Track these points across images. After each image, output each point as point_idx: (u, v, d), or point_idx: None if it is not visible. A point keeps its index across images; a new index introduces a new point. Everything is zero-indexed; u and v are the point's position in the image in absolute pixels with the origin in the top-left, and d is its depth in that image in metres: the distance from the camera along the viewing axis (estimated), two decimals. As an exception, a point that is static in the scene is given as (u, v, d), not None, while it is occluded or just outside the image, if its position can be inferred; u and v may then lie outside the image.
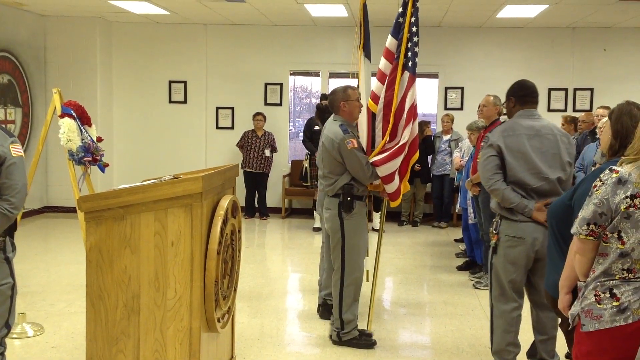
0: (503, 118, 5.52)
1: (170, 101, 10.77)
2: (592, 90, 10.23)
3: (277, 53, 10.61)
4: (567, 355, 4.17)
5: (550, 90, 10.08)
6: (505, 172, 3.80)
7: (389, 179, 4.63)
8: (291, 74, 10.86)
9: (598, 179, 2.39)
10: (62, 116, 5.24)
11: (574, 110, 10.00)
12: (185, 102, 10.77)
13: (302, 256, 7.93)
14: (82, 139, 5.33)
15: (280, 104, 10.71)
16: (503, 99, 6.19)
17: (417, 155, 4.82)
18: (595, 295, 2.40)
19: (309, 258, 7.70)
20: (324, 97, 9.72)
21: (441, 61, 10.42)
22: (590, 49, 10.22)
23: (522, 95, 3.93)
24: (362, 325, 4.84)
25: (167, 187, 3.28)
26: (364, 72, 5.00)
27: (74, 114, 5.32)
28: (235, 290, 3.92)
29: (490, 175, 3.83)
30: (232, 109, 10.75)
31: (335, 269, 4.70)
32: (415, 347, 4.85)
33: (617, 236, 2.35)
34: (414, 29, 4.73)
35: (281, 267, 7.68)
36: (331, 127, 4.63)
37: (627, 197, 2.31)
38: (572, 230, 2.45)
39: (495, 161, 3.83)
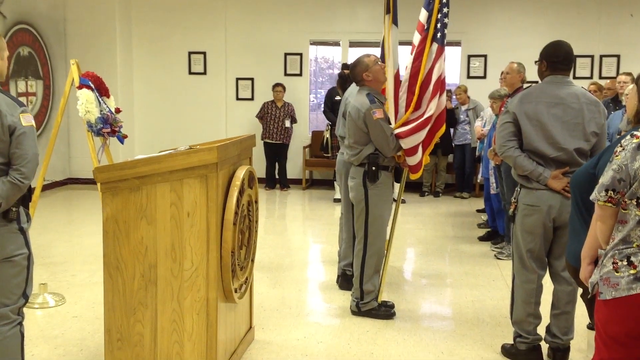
0: (527, 86, 5.39)
1: (190, 72, 10.74)
2: (618, 56, 9.99)
3: (297, 23, 10.49)
4: (589, 326, 4.11)
5: (576, 57, 9.83)
6: (522, 139, 3.72)
7: (412, 151, 4.55)
8: (311, 44, 10.75)
9: (619, 145, 2.32)
10: (80, 87, 5.22)
11: (600, 77, 9.78)
12: (205, 73, 10.72)
13: (322, 227, 7.91)
14: (101, 110, 5.32)
15: (300, 75, 10.62)
16: (527, 66, 6.12)
17: (443, 128, 4.73)
18: (613, 263, 2.35)
19: (330, 229, 7.68)
20: (345, 66, 9.62)
21: (464, 29, 10.22)
22: (616, 14, 9.96)
23: (554, 61, 3.78)
24: (382, 295, 4.82)
25: (182, 158, 3.26)
26: (392, 39, 4.90)
27: (92, 85, 5.30)
28: (252, 260, 3.91)
29: (504, 142, 3.76)
30: (252, 80, 10.68)
31: (358, 239, 4.66)
32: (435, 318, 4.82)
33: (635, 203, 2.28)
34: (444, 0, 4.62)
35: (302, 238, 7.68)
36: (358, 97, 4.55)
37: None
38: (591, 197, 2.38)
39: (510, 128, 3.74)
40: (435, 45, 4.60)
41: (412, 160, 4.61)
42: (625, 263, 2.32)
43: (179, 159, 3.26)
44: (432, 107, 4.57)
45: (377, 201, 4.55)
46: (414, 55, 4.67)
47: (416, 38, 4.70)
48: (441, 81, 4.63)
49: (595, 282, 2.41)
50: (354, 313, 4.72)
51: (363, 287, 4.64)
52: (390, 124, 4.56)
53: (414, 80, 4.63)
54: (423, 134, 4.55)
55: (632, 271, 2.30)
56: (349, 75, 5.01)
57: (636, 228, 2.30)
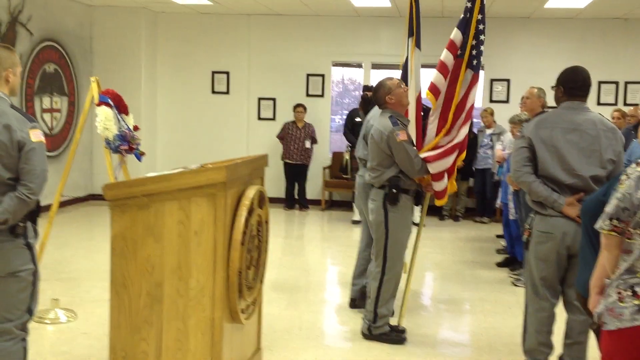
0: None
1: (213, 91, 10.83)
2: (645, 83, 9.87)
3: (320, 44, 10.54)
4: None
5: (600, 83, 9.77)
6: (537, 165, 3.66)
7: (439, 176, 4.51)
8: (333, 65, 10.78)
9: (624, 173, 2.27)
10: (99, 104, 5.28)
11: (625, 104, 9.65)
12: (227, 92, 10.80)
13: (340, 248, 7.87)
14: (119, 128, 5.37)
15: (322, 96, 10.64)
16: (548, 92, 6.06)
17: (464, 154, 4.70)
18: (618, 293, 2.29)
19: (347, 251, 7.62)
20: (366, 88, 9.63)
21: (487, 52, 10.05)
22: (643, 40, 9.85)
23: (571, 87, 3.73)
24: (394, 319, 4.76)
25: (191, 176, 3.26)
26: (414, 62, 4.89)
27: (111, 102, 5.36)
28: (261, 281, 3.88)
29: (519, 167, 3.71)
30: (274, 100, 10.73)
31: (377, 262, 4.60)
32: (446, 344, 4.74)
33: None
34: (481, 26, 4.59)
35: (319, 259, 7.64)
36: (381, 120, 4.53)
37: None
38: (596, 225, 2.33)
39: (525, 153, 3.69)
40: (470, 73, 4.58)
41: (438, 186, 4.57)
42: (629, 293, 2.26)
43: (187, 178, 3.26)
44: (462, 134, 4.55)
45: (397, 224, 4.51)
46: (449, 80, 4.63)
47: (447, 58, 4.64)
48: (472, 108, 4.60)
49: (601, 312, 2.35)
50: (364, 336, 4.65)
51: (377, 310, 4.58)
52: (414, 146, 4.53)
53: (448, 106, 4.59)
54: (451, 159, 4.52)
55: (636, 302, 2.24)
56: (372, 97, 5.00)
57: (641, 258, 2.24)
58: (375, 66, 10.73)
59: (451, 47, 4.64)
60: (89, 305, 5.18)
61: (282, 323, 4.95)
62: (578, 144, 3.63)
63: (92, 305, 5.18)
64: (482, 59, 4.63)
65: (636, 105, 8.06)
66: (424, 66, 5.01)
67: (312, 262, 7.41)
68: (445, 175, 4.55)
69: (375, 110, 4.92)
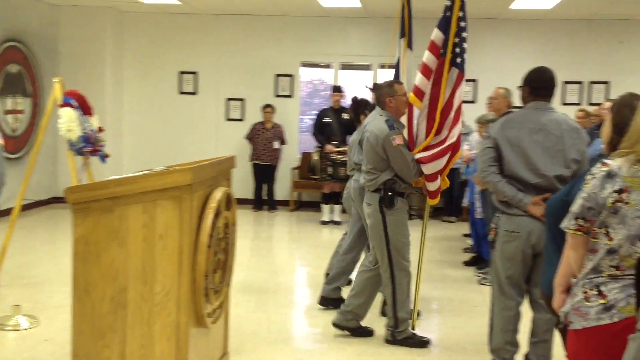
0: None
1: (181, 92, 10.72)
2: (608, 83, 10.02)
3: (288, 44, 10.51)
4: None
5: (565, 83, 9.91)
6: (503, 165, 3.69)
7: (433, 177, 4.50)
8: (302, 66, 10.75)
9: (589, 173, 2.29)
10: (62, 106, 5.19)
11: (589, 103, 9.79)
12: (195, 93, 10.71)
13: (309, 249, 7.85)
14: (83, 129, 5.28)
15: (291, 96, 10.61)
16: (515, 92, 6.11)
17: (459, 154, 4.70)
18: (584, 292, 2.31)
19: (316, 252, 7.62)
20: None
21: (454, 53, 10.23)
22: (606, 41, 10.00)
23: (537, 87, 3.76)
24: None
25: (155, 179, 3.21)
26: (407, 63, 4.88)
27: (74, 103, 5.26)
28: (228, 284, 3.84)
29: (485, 167, 3.74)
30: (243, 100, 10.67)
31: (384, 268, 4.56)
32: (416, 344, 4.75)
33: (605, 232, 2.25)
34: (462, 23, 4.58)
35: (287, 261, 7.61)
36: (377, 123, 4.50)
37: (614, 191, 2.20)
38: (562, 225, 2.35)
39: (490, 153, 3.72)
40: (455, 71, 4.54)
41: (432, 186, 4.57)
42: (595, 292, 2.28)
43: (152, 180, 3.20)
44: (454, 135, 4.54)
45: (396, 226, 4.49)
46: (433, 80, 4.59)
47: (429, 59, 4.60)
48: (461, 107, 4.58)
49: (567, 311, 2.37)
50: (388, 342, 4.61)
51: (398, 314, 4.55)
52: (409, 149, 4.52)
53: (434, 106, 4.56)
54: (444, 160, 4.52)
55: (601, 301, 2.25)
56: (373, 93, 4.92)
57: (606, 257, 2.26)
58: (345, 67, 10.73)
59: (432, 47, 4.61)
60: (52, 310, 5.08)
61: (250, 326, 4.91)
62: (543, 143, 3.66)
63: (55, 310, 5.07)
64: (465, 57, 4.56)
65: (600, 104, 8.18)
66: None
67: (281, 263, 7.38)
68: (439, 176, 4.56)
69: (372, 115, 4.86)
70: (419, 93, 4.64)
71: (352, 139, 5.58)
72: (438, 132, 4.55)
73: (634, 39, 9.95)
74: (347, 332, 4.70)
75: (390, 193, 4.44)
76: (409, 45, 4.91)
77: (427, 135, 4.57)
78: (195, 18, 10.52)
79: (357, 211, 5.20)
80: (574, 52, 10.01)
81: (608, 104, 6.43)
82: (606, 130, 2.67)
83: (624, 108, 2.57)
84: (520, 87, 3.85)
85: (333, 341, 4.66)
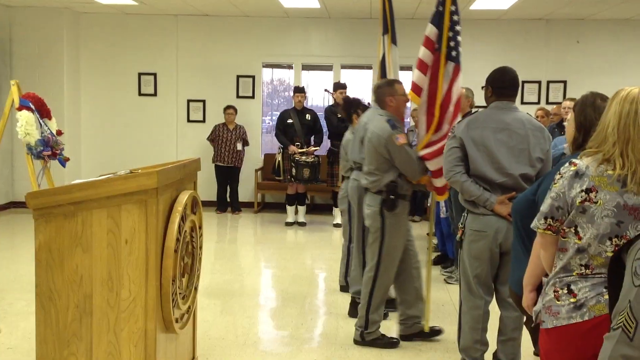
0: (474, 112, 5.44)
1: (140, 94, 10.56)
2: (565, 82, 10.22)
3: (249, 45, 10.44)
4: (536, 353, 4.11)
5: (523, 82, 10.05)
6: (469, 164, 3.72)
7: (439, 173, 4.43)
8: (264, 66, 10.70)
9: (558, 173, 2.31)
10: (20, 109, 5.06)
11: (547, 102, 9.97)
12: (155, 94, 10.56)
13: (274, 251, 7.81)
14: (41, 133, 5.16)
15: (253, 97, 10.55)
16: (476, 91, 6.18)
17: None
18: (555, 291, 2.33)
19: (281, 253, 7.59)
20: (297, 89, 9.58)
21: (415, 53, 10.26)
22: (563, 41, 10.20)
23: (500, 87, 3.80)
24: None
25: (120, 183, 3.14)
26: (392, 59, 4.86)
27: (32, 106, 5.14)
28: (196, 289, 3.79)
29: (451, 167, 3.76)
30: (204, 101, 10.57)
31: (370, 266, 4.53)
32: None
33: (574, 231, 2.27)
34: (455, 17, 4.56)
35: (253, 263, 7.55)
36: (378, 123, 4.44)
37: (582, 190, 2.23)
38: (532, 225, 2.37)
39: (456, 153, 3.75)
40: (451, 65, 4.53)
41: (438, 182, 4.53)
42: (565, 291, 2.30)
43: (116, 184, 3.14)
44: None
45: (394, 231, 4.45)
46: (430, 75, 4.56)
47: (425, 54, 4.59)
48: (460, 101, 4.57)
49: (539, 310, 2.39)
50: (357, 343, 4.59)
51: (369, 316, 4.53)
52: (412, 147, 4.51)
53: (432, 101, 4.53)
54: None
55: (572, 299, 2.28)
56: (355, 98, 4.86)
57: (575, 256, 2.28)
58: (306, 67, 10.71)
59: (427, 43, 4.60)
60: (12, 318, 4.95)
61: (217, 330, 4.86)
62: (507, 143, 3.70)
63: (16, 318, 4.95)
64: (461, 50, 4.53)
65: (559, 103, 8.33)
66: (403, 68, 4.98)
67: (246, 265, 7.33)
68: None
69: (370, 113, 4.80)
70: (416, 89, 4.63)
71: (346, 138, 5.58)
72: (439, 127, 4.50)
73: (590, 39, 10.17)
74: (418, 339, 4.66)
75: (392, 196, 4.40)
76: (393, 41, 4.91)
77: (427, 131, 4.55)
78: (153, 19, 10.38)
79: (356, 211, 5.18)
80: (531, 52, 10.18)
81: (567, 103, 6.57)
82: (570, 129, 2.71)
83: (586, 107, 2.61)
84: (484, 87, 3.89)
85: (302, 343, 4.65)
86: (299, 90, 9.55)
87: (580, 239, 2.26)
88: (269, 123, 11.20)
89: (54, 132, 5.26)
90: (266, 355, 4.42)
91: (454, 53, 4.52)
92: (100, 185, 3.14)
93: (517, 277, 2.75)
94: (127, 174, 3.27)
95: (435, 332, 4.73)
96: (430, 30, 4.60)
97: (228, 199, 10.13)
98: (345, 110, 5.79)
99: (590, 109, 2.59)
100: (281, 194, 10.00)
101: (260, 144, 10.78)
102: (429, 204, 8.85)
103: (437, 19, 4.58)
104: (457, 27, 4.54)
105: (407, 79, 4.74)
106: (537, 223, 2.35)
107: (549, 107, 8.48)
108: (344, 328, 4.90)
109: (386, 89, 4.55)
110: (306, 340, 4.74)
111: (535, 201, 2.65)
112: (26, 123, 5.02)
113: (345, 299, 5.69)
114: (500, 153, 3.67)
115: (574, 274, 2.30)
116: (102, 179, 3.22)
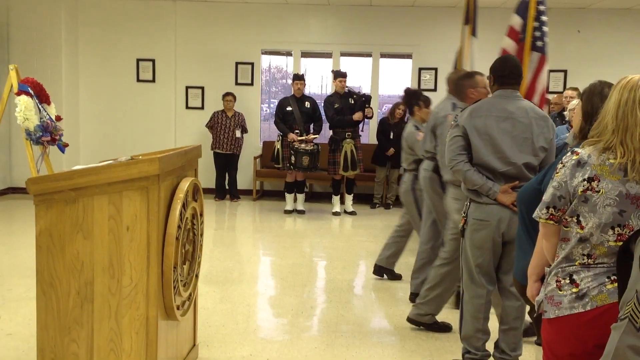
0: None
1: (138, 80, 10.50)
2: (565, 72, 10.18)
3: (249, 32, 10.38)
4: (538, 343, 4.10)
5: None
6: (472, 153, 3.70)
7: None
8: (263, 54, 10.65)
9: (560, 162, 2.30)
10: (18, 94, 5.04)
11: (547, 92, 9.90)
12: (153, 81, 10.50)
13: (273, 239, 7.80)
14: (40, 118, 5.13)
15: (252, 84, 10.50)
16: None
17: None
18: (557, 281, 2.32)
19: (280, 241, 7.58)
20: (296, 77, 9.51)
21: (415, 41, 10.30)
22: (564, 30, 10.14)
23: (502, 75, 3.77)
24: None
25: (121, 169, 3.12)
26: (471, 50, 4.82)
27: (31, 91, 5.11)
28: (197, 276, 3.78)
29: (454, 155, 3.74)
30: (202, 88, 10.52)
31: (450, 250, 4.47)
32: (385, 333, 4.76)
33: (576, 220, 2.26)
34: (541, 7, 4.51)
35: (252, 250, 7.55)
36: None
37: (584, 179, 2.22)
38: (534, 214, 2.36)
39: (460, 142, 3.72)
40: (536, 55, 4.46)
41: None
42: (567, 281, 2.29)
43: (118, 170, 3.12)
44: None
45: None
46: None
47: (509, 45, 4.52)
48: (545, 91, 4.50)
49: (541, 300, 2.38)
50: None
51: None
52: None
53: None
54: None
55: (574, 289, 2.27)
56: (450, 80, 4.91)
57: (578, 246, 2.27)
58: (305, 55, 10.66)
59: (511, 33, 4.54)
60: (12, 304, 4.93)
61: (217, 317, 4.85)
62: (511, 132, 3.68)
63: (16, 304, 4.94)
64: (547, 40, 4.45)
65: (559, 93, 8.30)
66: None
67: (245, 253, 7.32)
68: None
69: (444, 103, 4.69)
70: None
71: (407, 131, 5.55)
72: None
73: (591, 28, 10.13)
74: (422, 328, 4.65)
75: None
76: (473, 33, 4.85)
77: None
78: (152, 4, 10.31)
79: (427, 201, 5.12)
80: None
81: (570, 93, 6.54)
82: (577, 119, 2.70)
83: (593, 96, 2.59)
84: (487, 76, 3.88)
85: (302, 331, 4.65)
86: (299, 77, 9.49)
87: (582, 228, 2.24)
88: (266, 110, 11.16)
89: (53, 117, 5.23)
90: (266, 342, 4.42)
91: (539, 43, 4.45)
92: (101, 172, 3.12)
93: (521, 266, 2.74)
94: (129, 160, 3.24)
95: (443, 327, 4.68)
96: (515, 20, 4.54)
97: (227, 187, 10.10)
98: (407, 102, 5.78)
99: (597, 97, 2.56)
100: (280, 182, 9.98)
101: (259, 131, 10.75)
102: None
103: (522, 9, 4.52)
104: (543, 17, 4.47)
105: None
106: (539, 213, 2.33)
107: (550, 97, 8.44)
108: (344, 316, 4.90)
109: (469, 81, 4.46)
110: (306, 328, 4.74)
111: (541, 191, 2.63)
112: (25, 108, 4.99)
113: (344, 286, 5.70)
114: (503, 142, 3.65)
115: (576, 263, 2.29)
116: (104, 165, 3.20)
